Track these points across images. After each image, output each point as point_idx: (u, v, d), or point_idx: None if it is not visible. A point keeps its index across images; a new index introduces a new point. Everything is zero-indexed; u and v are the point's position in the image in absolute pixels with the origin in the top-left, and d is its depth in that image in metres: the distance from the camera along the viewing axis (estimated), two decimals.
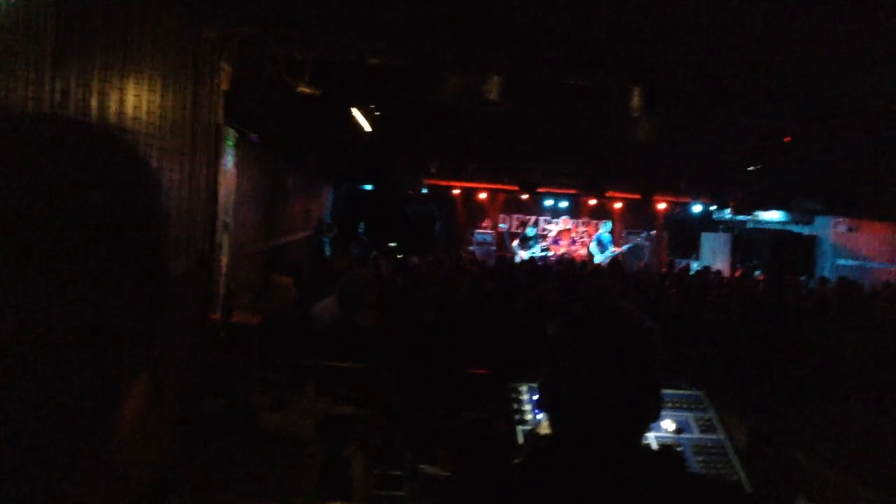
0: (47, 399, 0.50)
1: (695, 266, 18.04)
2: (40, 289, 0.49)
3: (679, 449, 2.55)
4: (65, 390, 0.51)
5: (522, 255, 19.45)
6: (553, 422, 1.55)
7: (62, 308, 0.50)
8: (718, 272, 15.64)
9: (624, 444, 1.46)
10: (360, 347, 3.95)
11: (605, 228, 20.33)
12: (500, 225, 21.43)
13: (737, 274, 16.13)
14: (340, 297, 4.40)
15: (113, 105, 4.12)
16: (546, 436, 1.59)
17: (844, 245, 18.07)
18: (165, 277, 0.59)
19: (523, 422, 2.59)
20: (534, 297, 6.68)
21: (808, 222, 19.00)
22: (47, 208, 0.51)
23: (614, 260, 18.64)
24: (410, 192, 18.19)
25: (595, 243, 20.10)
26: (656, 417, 1.54)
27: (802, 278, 14.77)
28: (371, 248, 16.69)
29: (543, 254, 19.57)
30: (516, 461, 1.70)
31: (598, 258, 19.02)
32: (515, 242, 20.37)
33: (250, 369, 4.08)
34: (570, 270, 12.35)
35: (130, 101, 4.39)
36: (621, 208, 21.07)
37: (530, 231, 20.66)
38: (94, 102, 3.86)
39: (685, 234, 20.84)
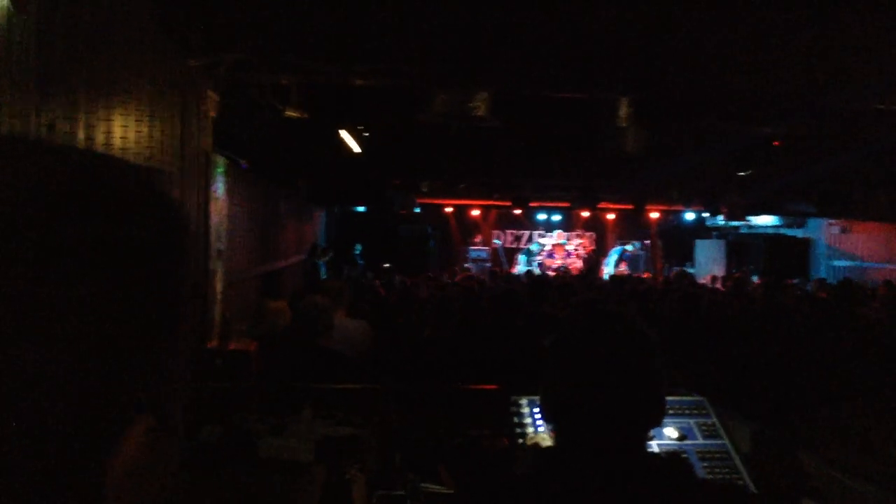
0: (40, 437, 0.47)
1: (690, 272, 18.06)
2: (42, 316, 0.47)
3: (684, 455, 2.53)
4: (59, 429, 0.47)
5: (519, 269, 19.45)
6: (556, 431, 1.53)
7: (64, 337, 0.47)
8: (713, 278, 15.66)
9: (628, 450, 1.45)
10: (324, 369, 4.00)
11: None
12: (495, 241, 21.45)
13: (736, 275, 16.14)
14: (296, 323, 4.50)
15: (100, 136, 4.11)
16: (548, 447, 1.57)
17: (838, 246, 18.12)
18: (176, 314, 0.57)
19: (524, 435, 2.57)
20: (533, 311, 6.66)
21: (801, 225, 19.07)
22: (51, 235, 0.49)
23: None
24: (403, 211, 18.19)
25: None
26: (660, 422, 1.53)
27: (796, 281, 14.77)
28: (366, 269, 16.68)
29: (531, 268, 19.57)
30: (519, 473, 1.68)
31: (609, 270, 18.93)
32: (519, 256, 20.40)
33: (247, 396, 4.05)
34: (569, 283, 12.32)
35: (118, 131, 4.38)
36: (614, 219, 21.10)
37: (534, 246, 20.74)
38: (80, 134, 3.85)
39: (679, 243, 20.89)
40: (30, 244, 0.48)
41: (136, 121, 4.69)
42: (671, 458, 1.54)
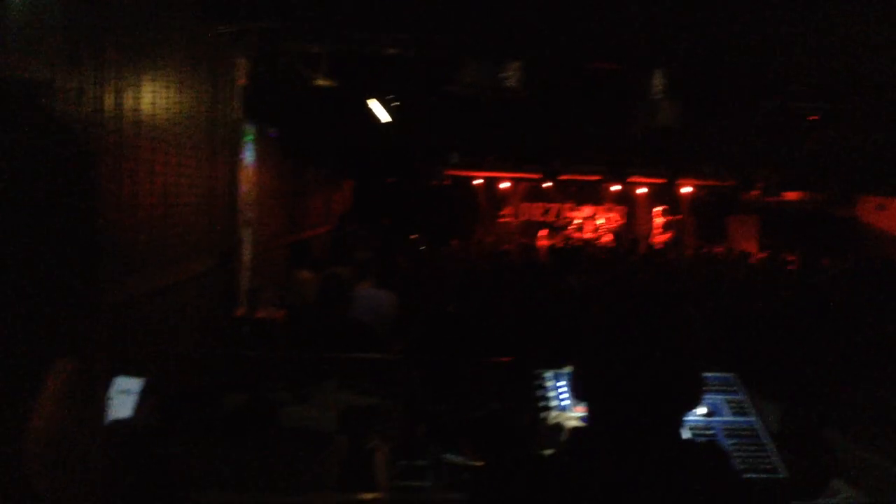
0: None
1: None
2: None
3: (711, 432, 2.49)
4: None
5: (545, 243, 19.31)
6: (589, 409, 1.51)
7: None
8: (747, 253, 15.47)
9: (663, 432, 1.41)
10: (348, 340, 4.02)
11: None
12: (523, 213, 21.34)
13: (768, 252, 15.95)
14: (320, 295, 4.54)
15: (129, 102, 4.10)
16: (581, 427, 1.55)
17: (874, 224, 17.78)
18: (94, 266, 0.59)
19: (548, 409, 2.54)
20: (559, 284, 6.63)
21: (837, 202, 18.72)
22: None
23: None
24: (433, 183, 18.13)
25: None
26: (696, 405, 1.49)
27: (832, 259, 14.54)
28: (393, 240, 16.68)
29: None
30: (549, 451, 1.65)
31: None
32: (545, 233, 20.20)
33: (273, 365, 4.06)
34: (595, 258, 12.28)
35: (147, 97, 4.37)
36: (645, 193, 20.83)
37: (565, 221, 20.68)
38: (109, 101, 3.84)
39: (712, 218, 20.59)
40: None
41: (166, 87, 4.67)
42: (708, 446, 1.51)
